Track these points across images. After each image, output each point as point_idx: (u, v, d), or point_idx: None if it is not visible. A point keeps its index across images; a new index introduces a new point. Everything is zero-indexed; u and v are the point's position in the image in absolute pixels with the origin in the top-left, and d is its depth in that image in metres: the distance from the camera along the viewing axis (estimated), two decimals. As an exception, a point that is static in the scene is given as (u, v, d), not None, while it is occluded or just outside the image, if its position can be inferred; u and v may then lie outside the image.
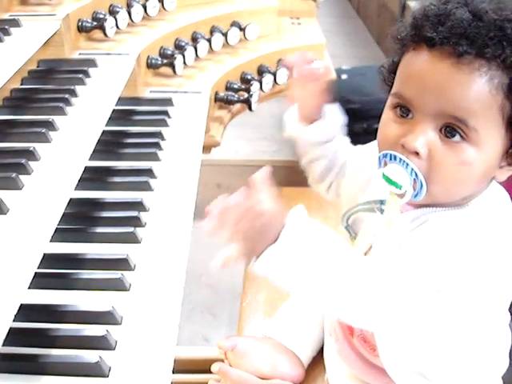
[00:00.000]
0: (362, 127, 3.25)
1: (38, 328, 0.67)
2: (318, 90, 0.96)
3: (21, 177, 0.80)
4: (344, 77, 3.37)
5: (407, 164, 0.72)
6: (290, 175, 1.16)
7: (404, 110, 0.75)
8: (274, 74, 1.56)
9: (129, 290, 0.75)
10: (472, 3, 0.72)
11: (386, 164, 0.76)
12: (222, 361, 1.02)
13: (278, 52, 1.64)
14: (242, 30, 1.61)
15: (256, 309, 1.21)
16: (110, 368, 0.64)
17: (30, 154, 0.85)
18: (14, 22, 1.18)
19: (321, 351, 1.05)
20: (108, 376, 0.63)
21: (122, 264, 0.78)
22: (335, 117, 0.99)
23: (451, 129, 0.71)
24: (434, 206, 0.78)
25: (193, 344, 1.90)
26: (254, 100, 1.43)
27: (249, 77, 1.53)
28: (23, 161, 0.83)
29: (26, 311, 0.66)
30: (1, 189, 0.78)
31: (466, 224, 0.75)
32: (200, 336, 2.08)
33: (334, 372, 0.98)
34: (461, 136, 0.71)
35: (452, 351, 0.77)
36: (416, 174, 0.72)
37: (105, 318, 0.69)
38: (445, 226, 0.75)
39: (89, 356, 0.63)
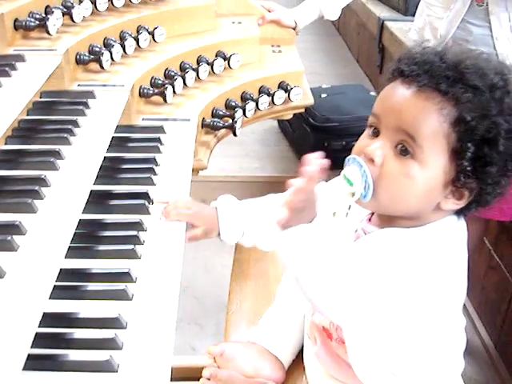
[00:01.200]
0: (340, 144, 3.40)
1: (57, 332, 0.79)
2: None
3: (35, 202, 0.92)
4: (324, 95, 3.53)
5: (361, 166, 0.87)
6: (272, 190, 1.28)
7: (375, 132, 0.90)
8: (257, 101, 1.70)
9: (132, 300, 0.87)
10: (445, 53, 0.87)
11: None
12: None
13: (259, 80, 1.78)
14: (227, 59, 1.75)
15: (241, 317, 1.33)
16: (118, 365, 0.76)
17: (42, 181, 0.97)
18: (20, 57, 1.30)
19: (300, 354, 1.18)
20: (117, 371, 0.75)
21: (124, 277, 0.90)
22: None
23: (404, 147, 0.86)
24: (391, 225, 0.92)
25: (181, 353, 2.01)
26: (237, 126, 1.55)
27: (233, 103, 1.66)
28: (36, 187, 0.95)
29: (47, 319, 0.78)
30: (19, 212, 0.90)
31: (415, 242, 0.88)
32: (187, 346, 2.19)
33: (312, 372, 1.11)
34: (408, 153, 0.86)
35: (409, 352, 0.91)
36: (367, 176, 0.87)
37: (113, 323, 0.81)
38: (394, 242, 0.89)
39: (101, 355, 0.76)
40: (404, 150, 0.86)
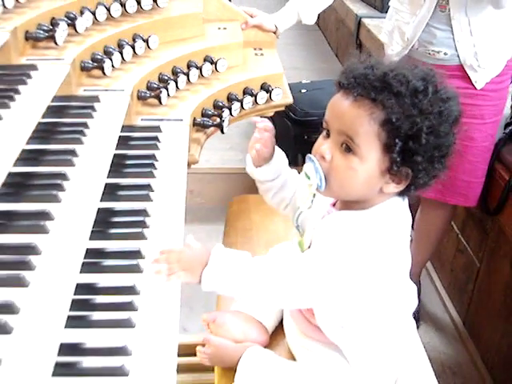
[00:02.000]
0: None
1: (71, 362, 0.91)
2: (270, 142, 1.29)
3: (59, 193, 1.10)
4: (303, 91, 3.70)
5: (315, 163, 1.07)
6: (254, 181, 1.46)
7: (327, 134, 1.11)
8: (241, 101, 1.88)
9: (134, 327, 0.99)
10: (377, 65, 1.06)
11: None
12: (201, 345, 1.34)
13: (244, 82, 1.96)
14: (214, 63, 1.93)
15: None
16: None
17: (63, 176, 1.15)
18: (33, 67, 1.47)
19: (281, 321, 1.38)
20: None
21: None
22: (279, 160, 1.33)
23: (346, 146, 1.07)
24: (346, 209, 1.12)
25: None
26: (225, 124, 1.74)
27: (220, 104, 1.85)
28: (59, 181, 1.13)
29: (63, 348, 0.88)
30: (46, 202, 1.08)
31: (361, 221, 1.09)
32: (179, 327, 2.37)
33: (290, 333, 1.31)
34: (351, 150, 1.06)
35: (360, 311, 1.12)
36: (320, 171, 1.08)
37: (118, 351, 0.92)
38: (345, 221, 1.10)
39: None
40: (347, 148, 1.07)
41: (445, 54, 2.04)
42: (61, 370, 0.86)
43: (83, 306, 1.00)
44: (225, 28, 2.14)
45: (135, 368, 0.90)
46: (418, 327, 2.60)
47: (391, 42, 2.20)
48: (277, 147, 1.33)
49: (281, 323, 1.38)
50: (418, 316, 2.63)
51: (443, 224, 2.48)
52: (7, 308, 0.87)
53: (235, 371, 1.25)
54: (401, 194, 1.12)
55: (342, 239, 1.07)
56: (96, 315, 1.00)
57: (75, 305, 0.96)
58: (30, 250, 0.97)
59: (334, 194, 1.13)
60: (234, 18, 2.22)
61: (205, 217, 3.20)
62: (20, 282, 0.91)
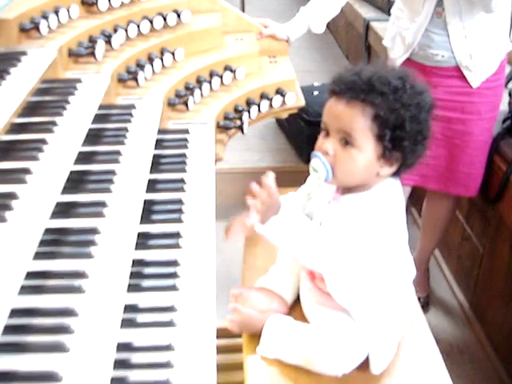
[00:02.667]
0: (331, 137, 3.79)
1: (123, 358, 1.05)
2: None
3: (111, 186, 1.33)
4: (315, 93, 3.91)
5: (320, 158, 1.28)
6: None
7: (326, 133, 1.33)
8: (259, 105, 2.11)
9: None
10: (361, 72, 1.28)
11: None
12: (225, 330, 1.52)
13: (260, 87, 2.19)
14: (233, 71, 2.15)
15: (253, 273, 1.73)
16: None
17: (112, 173, 1.38)
18: (78, 80, 1.69)
19: (298, 297, 1.60)
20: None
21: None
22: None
23: (346, 140, 1.29)
24: (350, 192, 1.34)
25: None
26: (245, 126, 1.97)
27: (240, 108, 2.07)
28: (110, 176, 1.36)
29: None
30: (100, 193, 1.31)
31: (365, 201, 1.31)
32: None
33: (305, 303, 1.52)
34: (350, 144, 1.28)
35: (367, 280, 1.33)
36: (326, 164, 1.30)
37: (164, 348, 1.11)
38: (351, 203, 1.31)
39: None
40: (346, 142, 1.30)
41: (442, 56, 2.23)
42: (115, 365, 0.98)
43: (130, 310, 1.17)
44: (242, 39, 2.37)
45: (179, 361, 1.07)
46: (427, 311, 2.80)
47: (393, 47, 2.40)
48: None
49: (298, 297, 1.59)
50: (428, 300, 2.83)
51: (448, 214, 2.67)
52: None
53: (259, 337, 1.47)
54: (393, 174, 1.34)
55: (353, 218, 1.30)
56: (140, 317, 1.16)
57: (126, 310, 1.11)
58: (92, 231, 1.20)
59: (340, 181, 1.35)
60: (249, 29, 2.44)
61: (224, 214, 3.39)
62: (76, 290, 1.05)
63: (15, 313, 0.96)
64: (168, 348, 1.09)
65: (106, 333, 0.97)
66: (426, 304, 2.83)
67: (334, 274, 1.34)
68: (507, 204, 2.36)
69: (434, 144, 2.23)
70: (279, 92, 2.21)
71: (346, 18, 5.43)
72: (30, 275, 1.03)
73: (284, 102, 2.21)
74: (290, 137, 4.02)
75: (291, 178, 1.87)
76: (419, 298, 2.78)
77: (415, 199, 3.12)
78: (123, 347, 1.07)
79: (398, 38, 2.36)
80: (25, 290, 1.01)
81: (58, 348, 0.94)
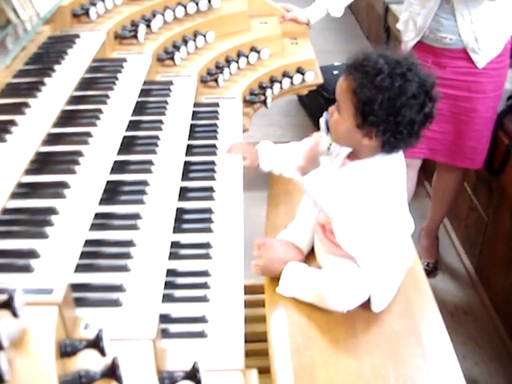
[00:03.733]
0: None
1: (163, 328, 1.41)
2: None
3: (156, 149, 1.59)
4: (335, 72, 4.13)
5: (325, 118, 1.55)
6: None
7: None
8: (281, 82, 2.35)
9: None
10: (366, 54, 1.50)
11: None
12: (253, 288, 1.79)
13: (282, 66, 2.44)
14: (258, 52, 2.40)
15: (274, 229, 1.98)
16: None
17: (156, 138, 1.64)
18: (124, 59, 1.95)
19: (312, 248, 1.85)
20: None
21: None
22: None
23: (337, 107, 1.55)
24: (354, 160, 1.58)
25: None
26: (268, 101, 2.22)
27: (264, 85, 2.32)
28: (154, 140, 1.61)
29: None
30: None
31: (364, 167, 1.56)
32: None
33: (318, 252, 1.78)
34: (338, 110, 1.54)
35: (372, 230, 1.58)
36: (326, 122, 1.56)
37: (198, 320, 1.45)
38: (354, 168, 1.56)
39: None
40: (337, 109, 1.54)
41: (450, 39, 2.42)
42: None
43: (170, 287, 1.30)
44: (266, 22, 2.60)
45: (213, 332, 1.21)
46: (435, 275, 3.03)
47: (406, 30, 2.60)
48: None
49: (312, 248, 1.84)
50: (436, 266, 3.06)
51: (456, 185, 2.89)
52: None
53: (278, 280, 1.72)
54: (388, 150, 1.54)
55: (354, 180, 1.54)
56: (178, 293, 1.31)
57: (166, 286, 1.23)
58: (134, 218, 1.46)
59: (333, 139, 1.61)
60: (273, 13, 2.67)
61: (247, 185, 3.64)
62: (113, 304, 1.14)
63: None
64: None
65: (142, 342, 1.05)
66: (434, 269, 3.05)
67: (343, 223, 1.59)
68: (509, 175, 2.57)
69: (442, 120, 2.51)
70: (299, 71, 2.45)
71: (366, 0, 5.60)
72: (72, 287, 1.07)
73: (304, 80, 2.45)
74: (310, 113, 4.25)
75: None
76: (428, 263, 3.02)
77: (428, 174, 3.34)
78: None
79: (411, 22, 2.55)
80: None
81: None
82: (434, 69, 2.35)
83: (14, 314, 0.90)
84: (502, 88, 2.59)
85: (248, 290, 1.70)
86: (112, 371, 0.92)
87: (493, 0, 2.29)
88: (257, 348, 1.84)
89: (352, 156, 1.63)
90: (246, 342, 1.20)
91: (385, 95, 1.44)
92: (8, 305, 0.90)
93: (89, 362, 0.95)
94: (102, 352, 0.95)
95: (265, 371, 1.42)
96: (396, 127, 1.47)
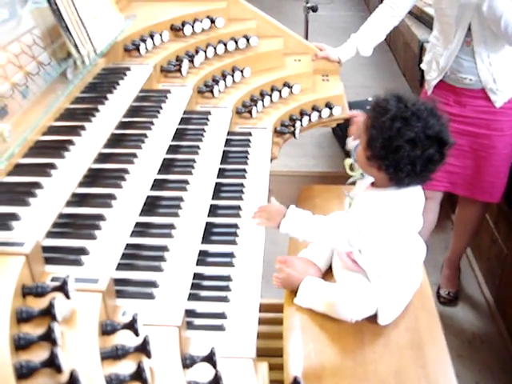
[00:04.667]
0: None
1: (188, 321, 1.66)
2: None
3: (194, 167, 1.81)
4: (368, 107, 4.30)
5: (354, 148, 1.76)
6: (323, 182, 2.09)
7: None
8: (309, 115, 2.57)
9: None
10: (389, 95, 1.69)
11: None
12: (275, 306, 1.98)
13: (312, 101, 2.66)
14: (290, 87, 2.62)
15: (297, 247, 2.16)
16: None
17: (193, 161, 1.86)
18: (168, 90, 2.19)
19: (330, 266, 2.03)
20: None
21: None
22: None
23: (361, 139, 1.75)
24: (373, 188, 1.77)
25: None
26: (297, 132, 2.44)
27: (294, 117, 2.54)
28: (191, 163, 1.84)
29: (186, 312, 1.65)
30: (184, 174, 1.79)
31: (379, 196, 1.74)
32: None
33: (336, 267, 1.96)
34: (361, 142, 1.74)
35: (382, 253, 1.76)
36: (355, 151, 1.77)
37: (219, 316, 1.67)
38: (370, 196, 1.75)
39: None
40: (361, 141, 1.73)
41: (470, 80, 2.58)
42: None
43: (197, 288, 1.51)
44: (299, 60, 2.82)
45: (231, 326, 1.42)
46: (455, 305, 3.15)
47: (429, 70, 2.78)
48: None
49: (329, 266, 2.03)
50: (457, 295, 3.18)
51: (477, 218, 3.01)
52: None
53: (296, 293, 1.91)
54: (396, 185, 1.71)
55: (367, 207, 1.73)
56: (203, 293, 1.52)
57: (193, 287, 1.45)
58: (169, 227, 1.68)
59: (358, 166, 1.81)
60: (306, 51, 2.88)
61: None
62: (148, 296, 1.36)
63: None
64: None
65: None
66: (454, 298, 3.17)
67: (350, 248, 1.78)
68: (526, 209, 2.70)
69: (463, 155, 2.67)
70: (328, 105, 2.66)
71: (403, 38, 5.76)
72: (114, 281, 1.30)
73: (331, 114, 2.66)
74: (343, 145, 4.43)
75: (343, 182, 2.24)
76: (449, 292, 3.14)
77: (454, 207, 3.47)
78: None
79: (434, 62, 2.73)
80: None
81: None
82: (454, 107, 2.56)
83: (67, 296, 1.12)
84: (520, 126, 2.72)
85: (266, 308, 1.88)
86: (143, 347, 1.12)
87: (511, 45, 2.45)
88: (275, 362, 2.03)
89: (373, 184, 1.82)
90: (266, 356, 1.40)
91: (384, 135, 1.62)
92: (62, 288, 1.13)
93: (125, 340, 1.15)
94: (136, 332, 1.16)
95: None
96: (396, 164, 1.64)
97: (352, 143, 2.00)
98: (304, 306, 1.88)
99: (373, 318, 1.83)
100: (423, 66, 2.86)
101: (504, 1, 2.31)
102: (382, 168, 1.67)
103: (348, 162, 1.91)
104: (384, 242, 1.77)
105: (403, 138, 1.60)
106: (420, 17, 5.16)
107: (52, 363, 0.97)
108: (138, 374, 1.06)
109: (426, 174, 1.68)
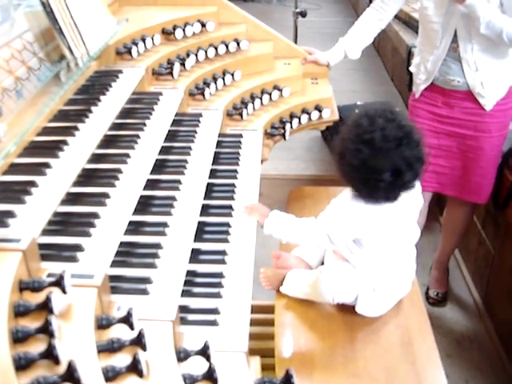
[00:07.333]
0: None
1: (181, 316, 1.69)
2: None
3: (186, 167, 1.84)
4: (357, 111, 4.34)
5: None
6: (313, 185, 2.14)
7: None
8: (299, 118, 2.60)
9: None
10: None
11: None
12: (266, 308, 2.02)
13: (302, 104, 2.70)
14: (280, 90, 2.66)
15: (289, 247, 2.20)
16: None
17: (185, 162, 1.89)
18: (160, 93, 2.22)
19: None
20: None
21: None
22: None
23: None
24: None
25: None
26: (287, 134, 2.47)
27: (284, 120, 2.58)
28: (183, 163, 1.87)
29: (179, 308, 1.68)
30: (177, 174, 1.82)
31: (343, 200, 1.81)
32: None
33: (328, 258, 2.00)
34: None
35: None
36: None
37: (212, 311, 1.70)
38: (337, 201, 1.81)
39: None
40: None
41: (458, 81, 2.61)
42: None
43: (190, 284, 1.54)
44: (289, 63, 2.86)
45: (224, 321, 1.45)
46: (444, 305, 3.19)
47: (418, 73, 2.81)
48: None
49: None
50: (446, 296, 3.21)
51: (465, 219, 3.05)
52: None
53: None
54: (366, 198, 1.75)
55: (334, 208, 1.79)
56: (196, 290, 1.55)
57: (186, 284, 1.48)
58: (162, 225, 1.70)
59: None
60: (296, 55, 2.92)
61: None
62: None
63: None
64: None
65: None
66: (443, 299, 3.20)
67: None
68: (513, 210, 2.73)
69: (451, 156, 2.71)
70: (317, 108, 2.70)
71: (392, 43, 5.82)
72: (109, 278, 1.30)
73: (321, 116, 2.70)
74: (332, 149, 4.46)
75: (332, 185, 2.32)
76: (437, 293, 3.18)
77: (442, 209, 3.51)
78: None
79: (422, 65, 2.76)
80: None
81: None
82: (443, 108, 2.60)
83: (63, 291, 1.14)
84: (507, 128, 2.75)
85: (257, 309, 1.91)
86: (139, 340, 1.14)
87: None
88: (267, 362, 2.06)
89: None
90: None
91: (345, 146, 1.74)
92: (59, 283, 1.15)
93: (120, 334, 1.18)
94: (131, 326, 1.18)
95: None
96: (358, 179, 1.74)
97: None
98: (290, 295, 1.94)
99: (363, 316, 1.87)
100: (412, 68, 2.89)
101: (499, 17, 2.35)
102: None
103: None
104: (367, 245, 1.81)
105: (348, 148, 1.72)
106: (408, 22, 5.23)
107: (50, 354, 0.99)
108: (134, 365, 1.09)
109: (382, 189, 1.71)
